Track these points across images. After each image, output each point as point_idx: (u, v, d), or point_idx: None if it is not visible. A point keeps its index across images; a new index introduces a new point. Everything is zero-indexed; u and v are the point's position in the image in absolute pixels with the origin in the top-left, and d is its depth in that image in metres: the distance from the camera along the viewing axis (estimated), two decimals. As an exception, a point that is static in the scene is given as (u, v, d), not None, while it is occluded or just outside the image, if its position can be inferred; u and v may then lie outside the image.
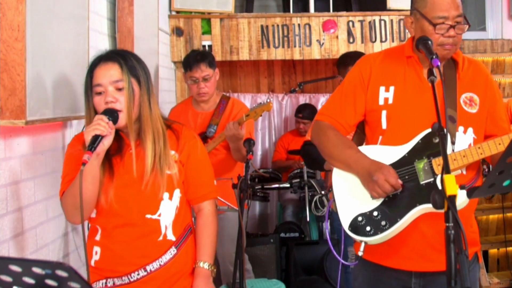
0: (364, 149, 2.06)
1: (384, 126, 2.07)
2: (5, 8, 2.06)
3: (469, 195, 1.81)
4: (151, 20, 3.99)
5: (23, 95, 2.10)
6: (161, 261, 1.96)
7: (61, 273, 1.10)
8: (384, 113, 2.07)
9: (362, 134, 2.24)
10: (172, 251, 1.98)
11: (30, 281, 1.14)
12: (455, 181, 1.41)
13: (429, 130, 1.96)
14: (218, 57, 4.93)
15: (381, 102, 2.09)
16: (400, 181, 1.93)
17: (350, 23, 5.10)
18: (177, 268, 2.00)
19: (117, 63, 1.90)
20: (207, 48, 4.97)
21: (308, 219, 4.31)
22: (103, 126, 1.81)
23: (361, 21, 5.09)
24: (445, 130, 1.92)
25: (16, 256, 2.14)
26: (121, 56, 1.93)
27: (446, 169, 1.46)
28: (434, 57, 1.82)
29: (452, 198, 1.39)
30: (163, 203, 1.96)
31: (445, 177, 1.41)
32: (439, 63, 1.80)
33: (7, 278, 1.15)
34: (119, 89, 1.89)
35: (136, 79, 1.92)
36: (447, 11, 1.97)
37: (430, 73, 1.79)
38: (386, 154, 2.00)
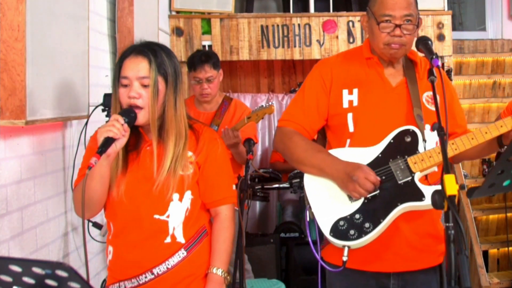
0: (335, 152, 2.03)
1: (351, 129, 2.04)
2: (5, 8, 2.06)
3: (469, 195, 1.80)
4: (151, 20, 3.99)
5: (23, 95, 2.10)
6: (168, 264, 1.90)
7: (61, 273, 1.10)
8: (350, 115, 2.05)
9: (323, 140, 2.21)
10: (181, 253, 1.92)
11: (30, 281, 1.14)
12: (455, 181, 1.41)
13: (400, 129, 1.97)
14: (218, 57, 4.92)
15: (345, 105, 2.06)
16: (378, 178, 1.91)
17: (350, 23, 5.09)
18: (189, 271, 1.93)
19: (147, 58, 1.85)
20: (207, 48, 4.96)
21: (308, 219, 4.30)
22: (116, 128, 1.76)
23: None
24: (416, 129, 1.95)
25: (16, 256, 2.14)
26: (152, 51, 1.88)
27: (446, 169, 1.46)
28: (434, 57, 1.81)
29: (452, 198, 1.38)
30: (172, 204, 1.90)
31: (445, 177, 1.41)
32: (439, 63, 1.80)
33: (7, 278, 1.16)
34: (145, 86, 1.85)
35: (164, 77, 1.87)
36: (392, 9, 1.95)
37: (430, 73, 1.79)
38: (358, 156, 1.98)
